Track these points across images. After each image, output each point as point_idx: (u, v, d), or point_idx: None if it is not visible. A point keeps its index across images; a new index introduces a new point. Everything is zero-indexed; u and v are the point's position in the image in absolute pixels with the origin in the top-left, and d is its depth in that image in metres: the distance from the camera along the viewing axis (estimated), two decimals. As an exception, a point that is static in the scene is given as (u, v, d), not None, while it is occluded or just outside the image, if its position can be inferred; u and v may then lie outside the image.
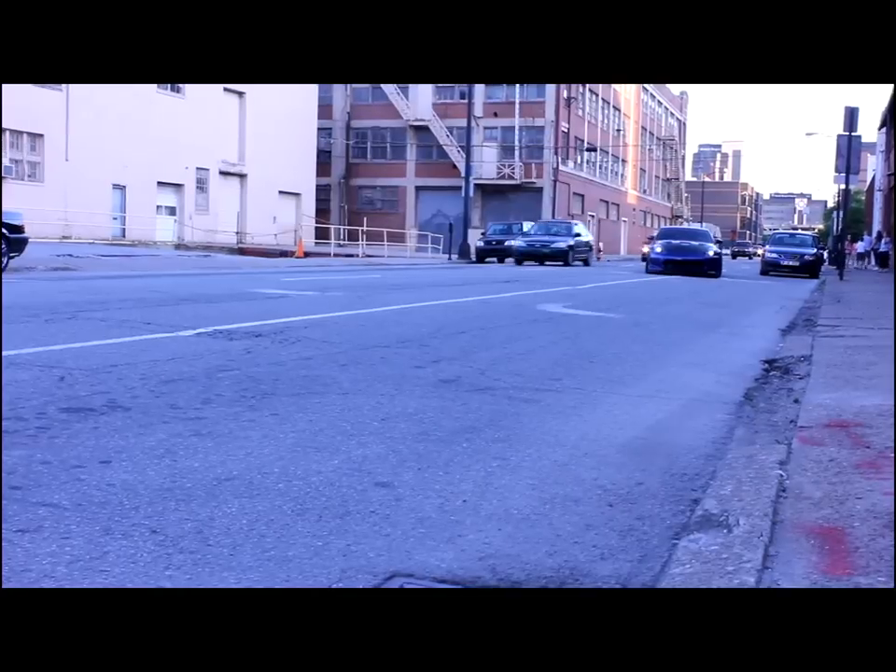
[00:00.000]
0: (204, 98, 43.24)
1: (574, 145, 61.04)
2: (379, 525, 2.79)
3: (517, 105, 56.42)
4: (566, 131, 58.86)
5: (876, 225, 49.06)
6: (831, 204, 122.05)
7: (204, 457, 3.43)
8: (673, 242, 28.25)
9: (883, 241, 41.77)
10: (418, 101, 57.34)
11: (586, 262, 34.85)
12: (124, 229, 40.04)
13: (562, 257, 32.53)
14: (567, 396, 5.10)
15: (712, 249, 27.56)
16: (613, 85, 67.64)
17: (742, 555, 2.36)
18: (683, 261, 26.82)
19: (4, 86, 22.03)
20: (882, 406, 4.52)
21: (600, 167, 68.25)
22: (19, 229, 14.83)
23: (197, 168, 43.96)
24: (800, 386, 5.39)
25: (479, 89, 55.03)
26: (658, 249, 27.90)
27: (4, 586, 2.17)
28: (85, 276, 14.80)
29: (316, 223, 50.86)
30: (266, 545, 2.58)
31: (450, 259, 37.21)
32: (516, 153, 56.95)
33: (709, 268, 26.83)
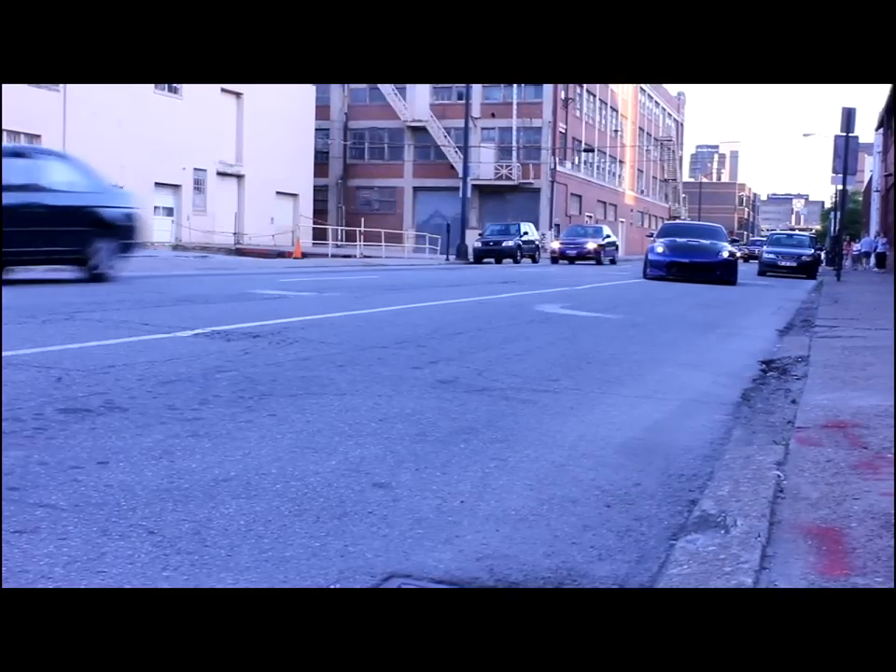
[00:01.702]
0: (202, 99, 43.24)
1: (572, 145, 61.08)
2: (377, 526, 2.79)
3: (514, 106, 56.45)
4: (563, 131, 58.89)
5: (874, 226, 49.14)
6: (828, 205, 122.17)
7: (202, 458, 3.43)
8: (678, 240, 22.76)
9: (880, 241, 41.88)
10: (416, 102, 57.35)
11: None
12: (122, 229, 39.94)
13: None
14: (564, 396, 5.10)
15: (726, 250, 22.25)
16: (611, 86, 67.69)
17: (740, 556, 2.36)
18: (691, 264, 21.82)
19: (2, 86, 22.03)
20: (879, 406, 4.52)
21: (598, 168, 68.31)
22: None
23: (194, 169, 43.97)
24: (797, 387, 5.39)
25: (476, 89, 55.09)
26: (659, 249, 22.42)
27: (1, 587, 2.17)
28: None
29: (314, 224, 50.87)
30: (264, 546, 2.58)
31: (447, 259, 37.20)
32: (514, 154, 56.98)
33: (723, 273, 21.70)
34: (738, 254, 24.03)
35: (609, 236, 41.12)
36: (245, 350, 6.22)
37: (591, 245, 38.77)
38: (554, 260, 38.35)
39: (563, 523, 2.91)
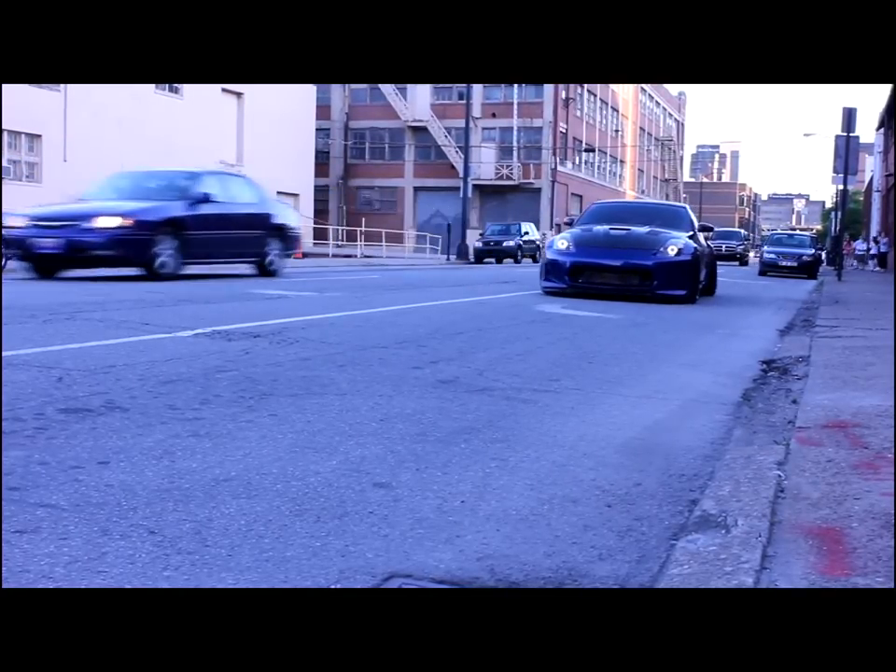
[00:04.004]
0: (202, 99, 43.25)
1: (572, 145, 61.10)
2: (377, 526, 2.79)
3: (515, 106, 56.48)
4: (564, 131, 58.90)
5: (875, 226, 49.20)
6: (829, 205, 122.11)
7: (203, 458, 3.43)
8: (596, 229, 13.91)
9: (882, 241, 42.03)
10: (416, 101, 57.39)
11: None
12: (122, 229, 39.99)
13: None
14: (565, 396, 5.09)
15: (675, 245, 13.14)
16: (611, 85, 67.69)
17: (740, 556, 2.36)
18: (611, 269, 13.09)
19: (2, 86, 22.07)
20: (880, 406, 4.52)
21: (598, 168, 68.33)
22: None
23: (195, 169, 43.93)
24: (798, 387, 5.39)
25: (477, 89, 55.14)
26: (561, 244, 13.64)
27: (2, 587, 2.17)
28: (83, 277, 14.79)
29: (315, 224, 50.89)
30: (264, 546, 2.58)
31: (448, 259, 37.23)
32: (514, 154, 57.01)
33: (665, 283, 12.90)
34: (705, 252, 14.47)
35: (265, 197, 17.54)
36: (246, 350, 6.22)
37: (99, 222, 13.56)
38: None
39: (563, 523, 2.91)
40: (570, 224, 15.18)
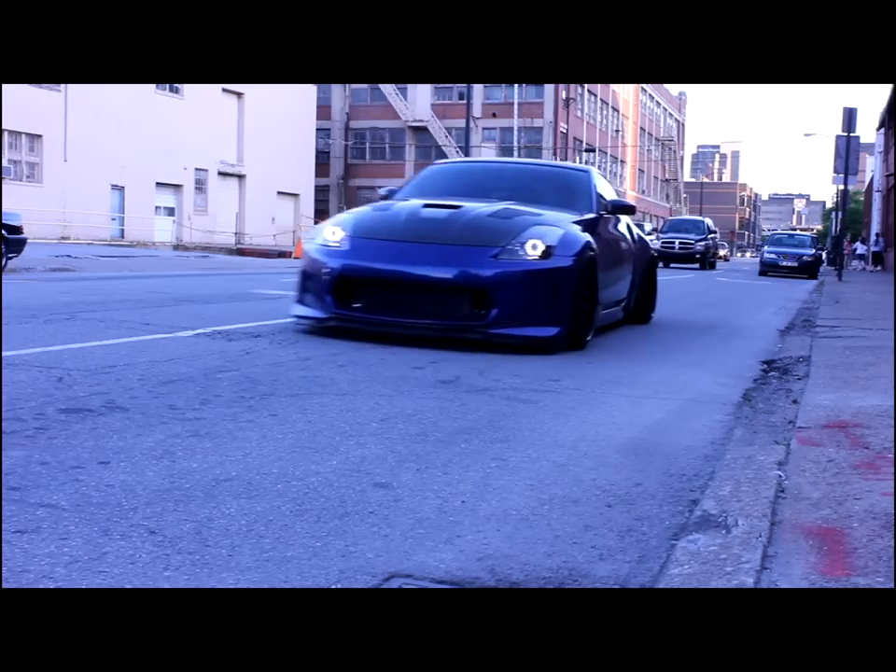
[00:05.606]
0: (203, 99, 43.29)
1: (573, 145, 61.12)
2: (378, 526, 2.79)
3: (516, 106, 56.49)
4: (564, 131, 58.91)
5: (875, 226, 49.25)
6: (829, 205, 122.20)
7: (203, 458, 3.43)
8: (399, 209, 7.36)
9: (877, 240, 42.50)
10: (417, 101, 57.43)
11: None
12: (123, 229, 40.10)
13: None
14: (565, 396, 5.09)
15: (539, 238, 6.67)
16: (612, 85, 67.73)
17: (741, 556, 2.36)
18: (411, 283, 6.65)
19: (3, 86, 22.06)
20: (881, 406, 4.52)
21: (599, 168, 68.32)
22: (17, 229, 14.85)
23: (195, 169, 44.03)
24: (798, 387, 5.39)
25: (477, 89, 55.17)
26: (329, 236, 7.13)
27: (2, 587, 2.17)
28: (83, 277, 14.79)
29: (315, 224, 50.90)
30: (265, 546, 2.58)
31: (448, 259, 37.16)
32: (515, 154, 56.98)
33: (514, 312, 6.49)
34: (629, 248, 9.35)
35: None
36: (247, 350, 6.21)
37: None
38: None
39: (564, 523, 2.91)
40: (388, 196, 8.67)
